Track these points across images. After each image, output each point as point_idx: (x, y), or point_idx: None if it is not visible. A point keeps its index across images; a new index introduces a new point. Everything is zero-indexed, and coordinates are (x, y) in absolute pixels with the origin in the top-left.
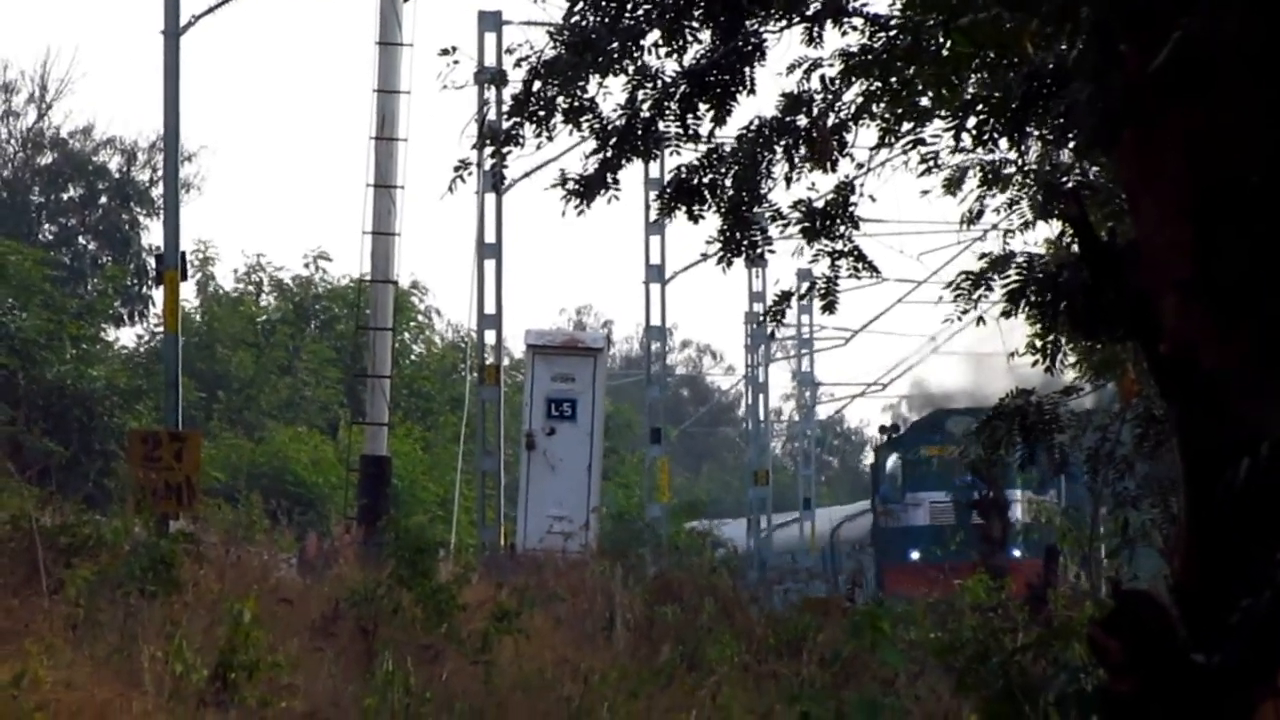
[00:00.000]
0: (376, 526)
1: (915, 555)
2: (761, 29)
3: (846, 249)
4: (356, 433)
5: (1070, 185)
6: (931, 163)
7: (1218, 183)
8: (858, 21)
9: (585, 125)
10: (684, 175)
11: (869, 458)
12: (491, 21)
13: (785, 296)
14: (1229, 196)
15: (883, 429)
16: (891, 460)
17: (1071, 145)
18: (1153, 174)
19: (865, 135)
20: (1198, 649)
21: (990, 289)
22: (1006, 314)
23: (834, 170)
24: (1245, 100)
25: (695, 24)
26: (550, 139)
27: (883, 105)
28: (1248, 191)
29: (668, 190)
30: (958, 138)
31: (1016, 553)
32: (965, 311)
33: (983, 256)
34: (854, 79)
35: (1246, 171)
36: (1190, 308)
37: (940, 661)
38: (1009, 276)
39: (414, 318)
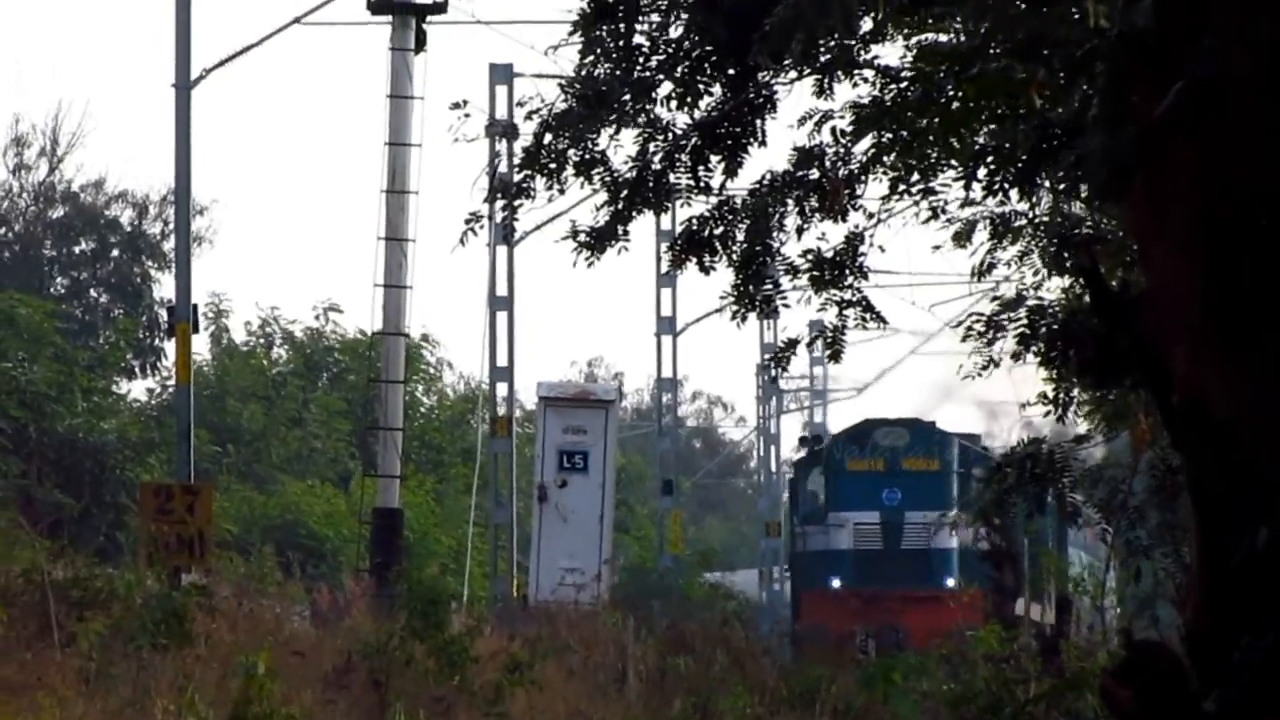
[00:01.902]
0: (388, 578)
1: (836, 582)
2: (773, 81)
3: (855, 299)
4: (368, 485)
5: (1081, 237)
6: (941, 213)
7: (1227, 226)
8: (869, 73)
9: (596, 177)
10: (695, 227)
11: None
12: (503, 74)
13: (791, 344)
14: (1239, 240)
15: (803, 440)
16: (813, 476)
17: (1083, 196)
18: (1163, 220)
19: (875, 186)
20: (1209, 696)
21: (1002, 332)
22: (1016, 357)
23: (844, 220)
24: (1254, 143)
25: (707, 76)
26: (562, 191)
27: (893, 156)
28: (1258, 235)
29: (679, 242)
30: (968, 188)
31: (950, 582)
32: (980, 364)
33: (995, 299)
34: (865, 131)
35: (1256, 214)
36: (1201, 357)
37: (953, 713)
38: (1020, 319)
39: (425, 370)
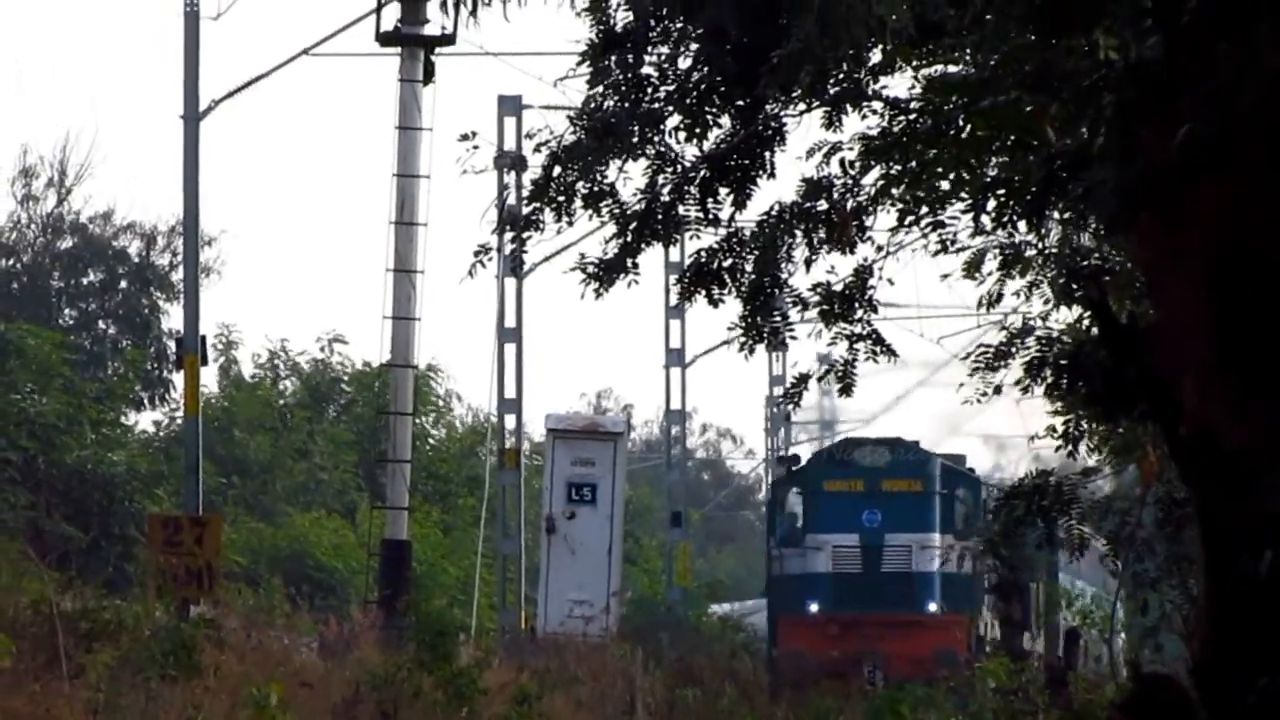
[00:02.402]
0: (397, 610)
1: (815, 607)
2: (781, 113)
3: (864, 332)
4: (376, 517)
5: (1090, 269)
6: (950, 244)
7: (1237, 263)
8: (877, 105)
9: (605, 210)
10: (704, 259)
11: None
12: (511, 106)
13: (803, 379)
14: (1249, 277)
15: (781, 459)
16: (791, 496)
17: (1091, 228)
18: (1172, 255)
19: (884, 219)
20: None
21: (1009, 363)
22: (1024, 388)
23: (853, 253)
24: (1264, 181)
25: (715, 109)
26: (570, 224)
27: (902, 188)
28: (1268, 272)
29: (687, 274)
30: (977, 220)
31: (932, 606)
32: (983, 394)
33: (1003, 329)
34: (873, 162)
35: (1267, 251)
36: (1210, 390)
37: None
38: (1028, 348)
39: (434, 401)
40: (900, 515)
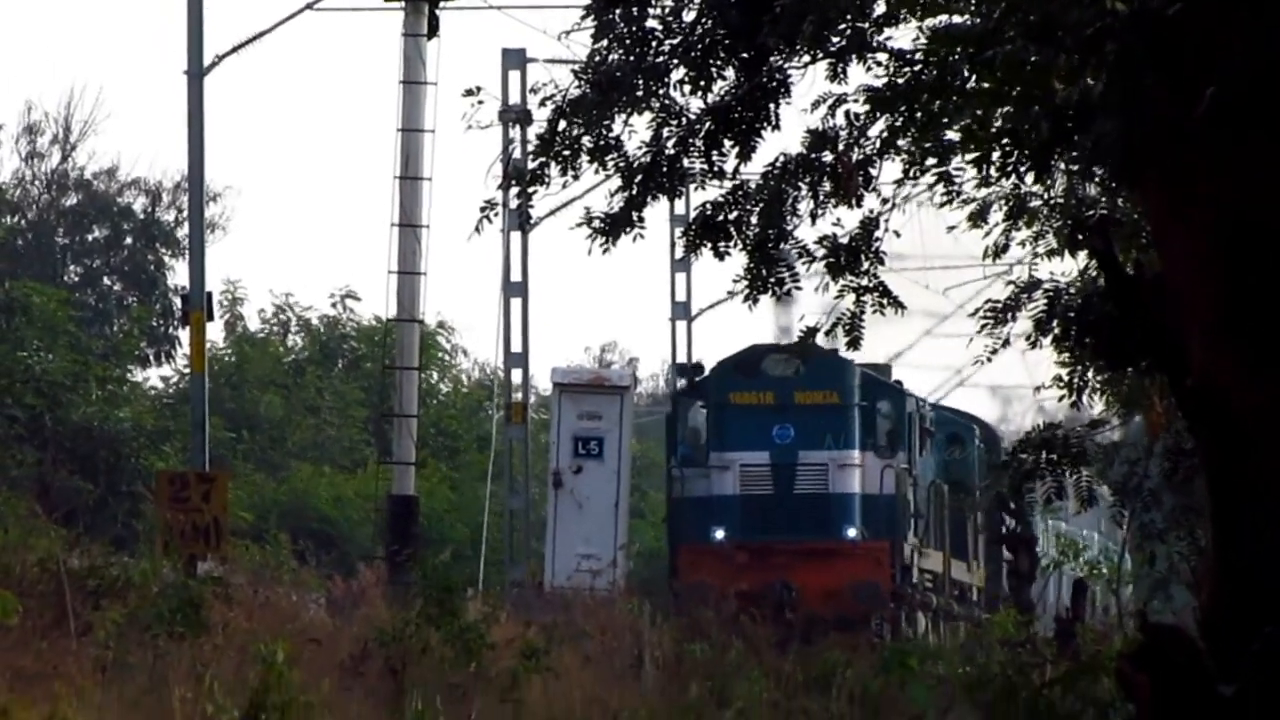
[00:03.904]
0: (404, 565)
1: (720, 534)
2: (786, 65)
3: (871, 284)
4: (383, 472)
5: (1096, 219)
6: (956, 196)
7: (1246, 221)
8: (882, 57)
9: (610, 163)
10: (709, 212)
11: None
12: (516, 59)
13: (811, 332)
14: (1258, 235)
15: (681, 368)
16: (693, 411)
17: (1097, 179)
18: (1180, 210)
19: (890, 171)
20: (1226, 682)
21: (1015, 317)
22: (1033, 343)
23: (859, 205)
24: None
25: (720, 61)
26: (576, 178)
27: (907, 140)
28: (1274, 234)
29: (693, 227)
30: (983, 171)
31: (851, 532)
32: (993, 351)
33: (1010, 282)
34: (878, 114)
35: (1273, 213)
36: (1218, 350)
37: (969, 697)
38: (1036, 302)
39: (440, 356)
40: (815, 430)
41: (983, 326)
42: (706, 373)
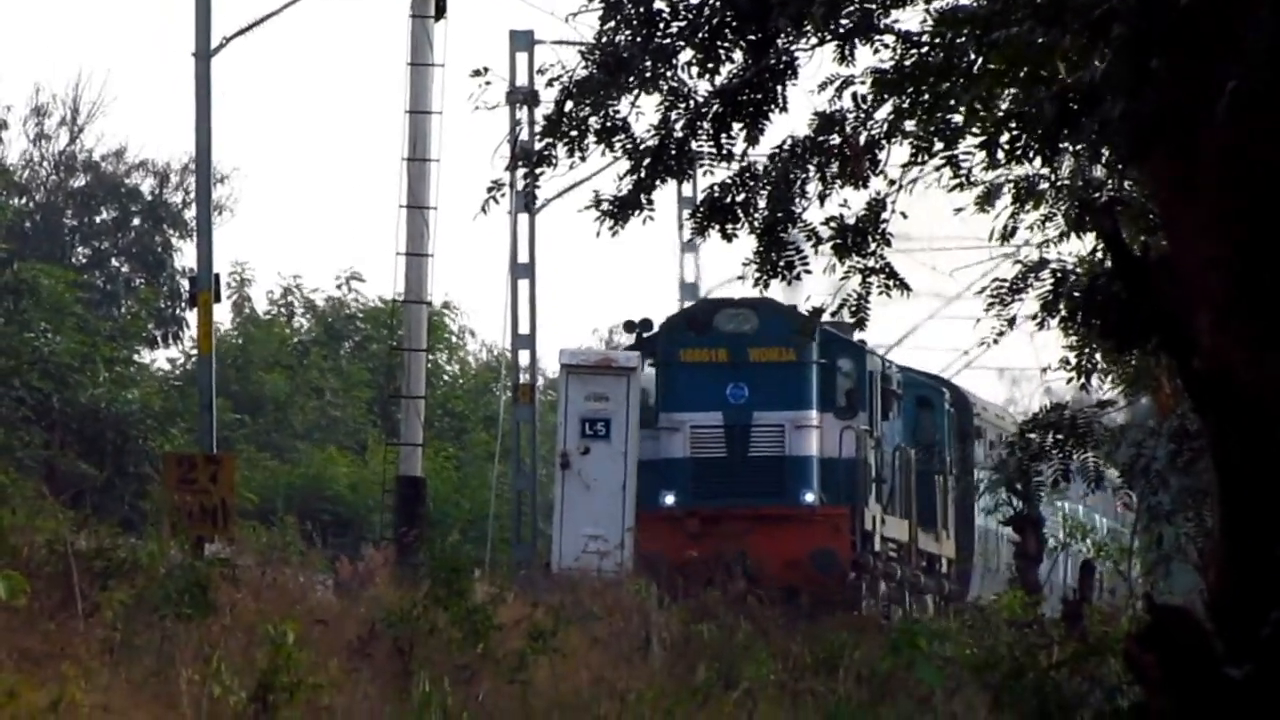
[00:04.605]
0: (411, 546)
1: (670, 499)
2: (793, 47)
3: (878, 266)
4: (390, 453)
5: (1103, 201)
6: (964, 179)
7: (1255, 200)
8: (889, 39)
9: (618, 145)
10: (717, 194)
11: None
12: (523, 41)
13: (817, 312)
14: (1266, 214)
15: (629, 325)
16: (642, 369)
17: (1105, 160)
18: (1185, 187)
19: (897, 152)
20: (1233, 663)
21: (1023, 298)
22: (1040, 322)
23: (866, 187)
24: None
25: (728, 43)
26: (583, 159)
27: (915, 122)
28: None
29: (701, 210)
30: (991, 154)
31: (809, 497)
32: (1000, 332)
33: (1017, 263)
34: (886, 96)
35: None
36: (1225, 328)
37: (977, 678)
38: (1043, 282)
39: (447, 337)
40: (771, 389)
41: (990, 305)
42: (655, 329)
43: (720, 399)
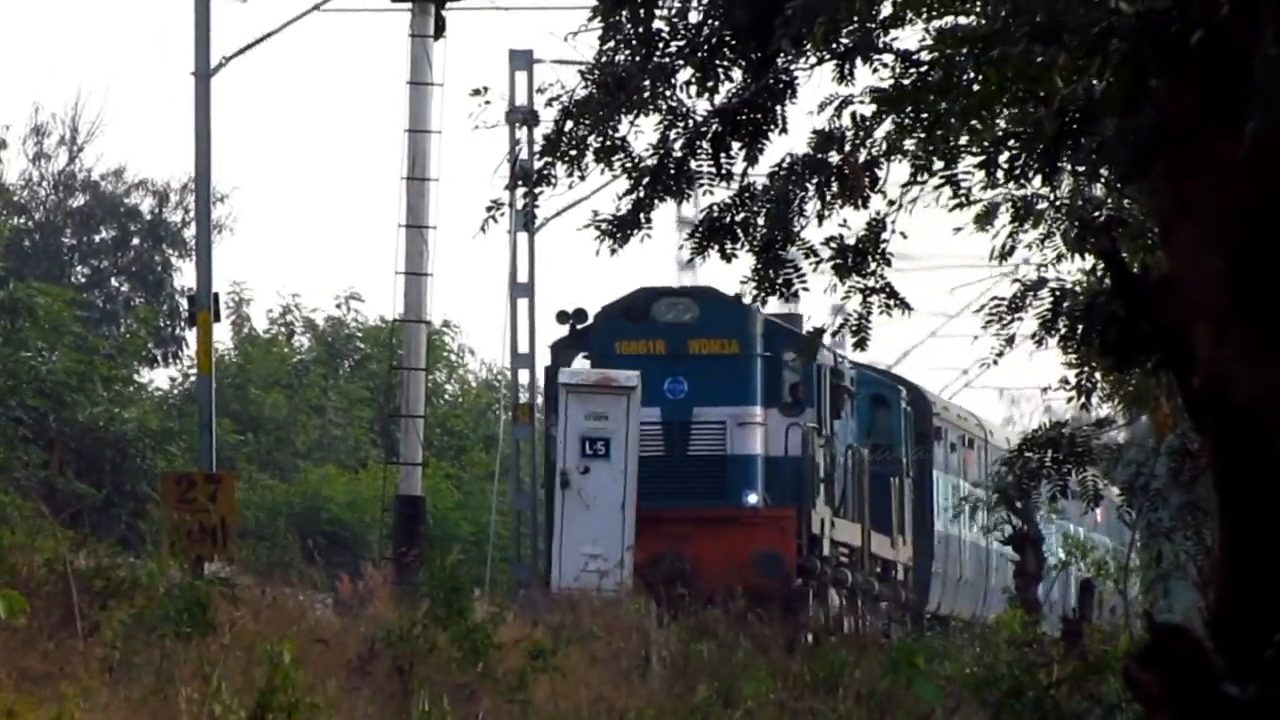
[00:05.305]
0: (411, 565)
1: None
2: (792, 67)
3: (878, 286)
4: (390, 472)
5: (1102, 220)
6: (964, 198)
7: (1252, 214)
8: (888, 58)
9: (617, 164)
10: (716, 214)
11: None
12: (522, 60)
13: (818, 333)
14: (1264, 228)
15: (562, 315)
16: (576, 363)
17: (1104, 179)
18: (1183, 201)
19: (897, 171)
20: (1234, 683)
21: (1022, 316)
22: (1038, 340)
23: (865, 206)
24: None
25: (726, 62)
26: (582, 178)
27: (914, 141)
28: None
29: (700, 230)
30: (990, 173)
31: (752, 498)
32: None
33: (1016, 280)
34: (885, 115)
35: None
36: (1223, 341)
37: (976, 697)
38: (1042, 301)
39: (447, 357)
40: (712, 384)
41: (988, 323)
42: (590, 319)
43: (658, 394)
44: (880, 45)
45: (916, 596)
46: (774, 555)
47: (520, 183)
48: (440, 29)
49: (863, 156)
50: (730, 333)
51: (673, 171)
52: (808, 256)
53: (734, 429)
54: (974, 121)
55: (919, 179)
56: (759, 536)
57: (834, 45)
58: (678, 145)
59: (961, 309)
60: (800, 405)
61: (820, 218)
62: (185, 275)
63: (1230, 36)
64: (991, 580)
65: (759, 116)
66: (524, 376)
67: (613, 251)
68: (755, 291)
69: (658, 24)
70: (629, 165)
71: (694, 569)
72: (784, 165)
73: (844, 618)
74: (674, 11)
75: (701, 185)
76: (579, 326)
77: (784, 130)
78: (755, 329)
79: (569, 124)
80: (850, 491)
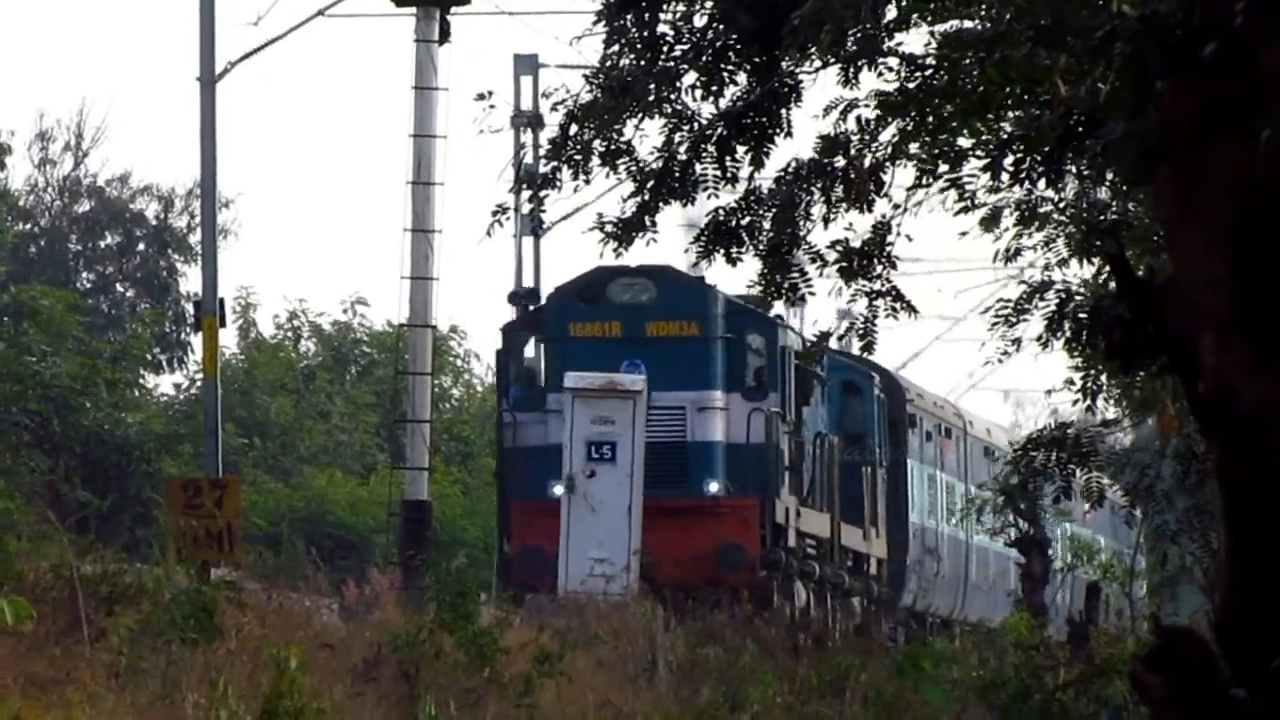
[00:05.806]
0: (417, 570)
1: (559, 489)
2: (798, 70)
3: (884, 289)
4: (396, 477)
5: (1107, 223)
6: (969, 201)
7: (1258, 217)
8: (893, 62)
9: (622, 168)
10: (721, 218)
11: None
12: (527, 65)
13: (824, 336)
14: (1269, 231)
15: (513, 296)
16: (530, 346)
17: (1109, 183)
18: (1191, 209)
19: (902, 175)
20: (1239, 686)
21: (1028, 317)
22: (1044, 343)
23: (870, 210)
24: None
25: (731, 66)
26: (588, 182)
27: (919, 145)
28: None
29: (705, 233)
30: (995, 176)
31: (714, 487)
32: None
33: (1022, 283)
34: (889, 119)
35: None
36: (1229, 345)
37: (983, 700)
38: (1048, 303)
39: (453, 361)
40: (671, 367)
41: (994, 325)
42: (544, 300)
43: None
44: (885, 49)
45: (889, 590)
46: (737, 546)
47: (525, 187)
48: (445, 34)
49: (868, 160)
50: (690, 314)
51: (678, 174)
52: (814, 260)
53: (694, 414)
54: (977, 123)
55: (924, 182)
56: (721, 527)
57: (839, 50)
58: (683, 149)
59: (967, 312)
60: (764, 390)
61: (826, 221)
62: (191, 280)
63: (1237, 42)
64: (971, 575)
65: (764, 120)
66: None
67: (617, 254)
68: (761, 295)
69: (662, 28)
70: (634, 169)
71: (652, 562)
72: (789, 169)
73: (810, 612)
74: (679, 16)
75: (707, 189)
76: (531, 308)
77: (789, 134)
78: (716, 310)
79: (574, 128)
80: (819, 481)
